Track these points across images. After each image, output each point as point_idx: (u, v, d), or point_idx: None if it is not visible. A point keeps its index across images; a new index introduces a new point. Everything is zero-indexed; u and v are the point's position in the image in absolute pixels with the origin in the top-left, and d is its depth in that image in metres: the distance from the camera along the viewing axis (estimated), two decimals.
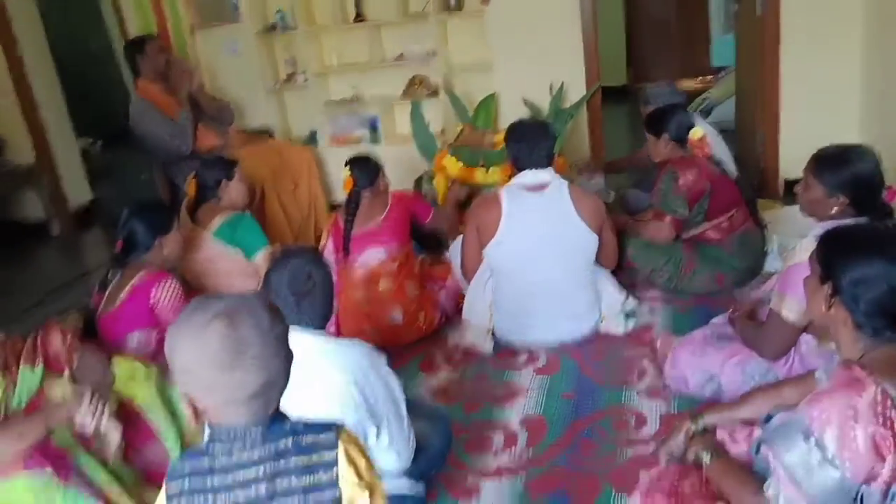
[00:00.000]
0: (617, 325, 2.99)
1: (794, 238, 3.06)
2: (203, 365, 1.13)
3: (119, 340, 2.58)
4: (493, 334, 3.04)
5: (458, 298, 3.25)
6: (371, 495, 1.20)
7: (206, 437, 1.22)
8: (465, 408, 2.67)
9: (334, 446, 1.21)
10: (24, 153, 5.23)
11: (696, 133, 3.17)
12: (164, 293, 2.57)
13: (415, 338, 3.15)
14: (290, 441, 1.19)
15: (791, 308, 2.17)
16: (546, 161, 2.89)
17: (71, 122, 5.61)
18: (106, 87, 6.56)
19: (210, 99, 4.36)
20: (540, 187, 2.87)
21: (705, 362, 2.45)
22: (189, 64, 4.51)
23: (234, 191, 3.27)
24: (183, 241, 2.90)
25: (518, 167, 2.92)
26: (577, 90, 4.50)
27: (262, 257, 3.12)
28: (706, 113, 5.16)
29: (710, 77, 6.09)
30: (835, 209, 2.18)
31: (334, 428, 1.24)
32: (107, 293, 2.66)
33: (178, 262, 2.97)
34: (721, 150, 3.52)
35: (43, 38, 5.42)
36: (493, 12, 4.50)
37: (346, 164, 3.19)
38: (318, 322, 1.97)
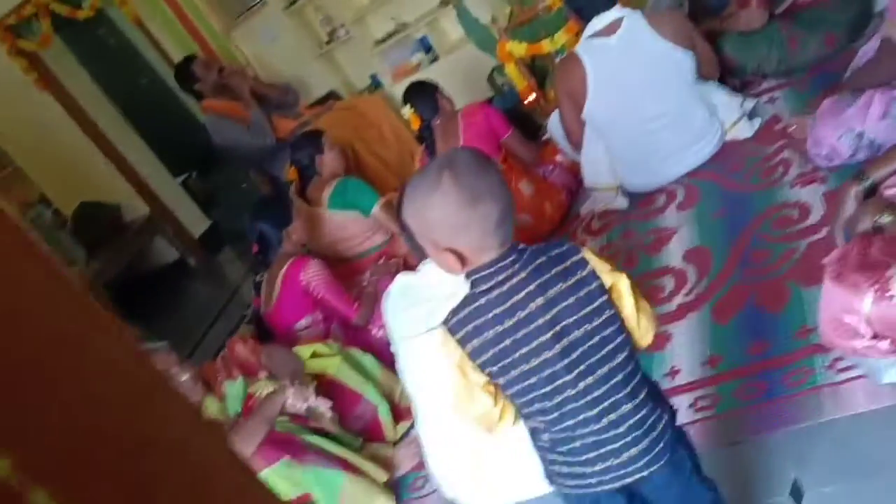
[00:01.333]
0: (742, 130, 2.85)
1: None
2: (453, 209, 1.23)
3: (290, 330, 2.74)
4: (622, 189, 2.98)
5: (575, 170, 3.20)
6: (625, 277, 1.33)
7: (468, 290, 1.29)
8: (624, 267, 2.65)
9: (578, 251, 1.31)
10: (138, 208, 5.56)
11: None
12: (312, 273, 2.70)
13: (552, 228, 3.14)
14: (542, 258, 1.29)
15: None
16: (610, 0, 2.75)
17: (163, 165, 5.92)
18: (175, 120, 6.80)
19: (271, 88, 4.45)
20: (613, 29, 2.74)
21: (846, 122, 2.30)
22: (238, 65, 4.59)
23: (329, 161, 3.33)
24: (306, 224, 3.02)
25: (584, 18, 2.79)
26: None
27: (378, 210, 3.19)
28: None
29: None
30: None
31: (566, 242, 1.34)
32: (262, 294, 2.82)
33: (311, 243, 3.10)
34: None
35: (104, 98, 5.68)
36: None
37: (403, 102, 3.16)
38: None
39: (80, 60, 5.95)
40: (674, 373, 2.10)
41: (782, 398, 1.81)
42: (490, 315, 1.26)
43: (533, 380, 1.26)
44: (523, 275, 1.26)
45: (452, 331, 1.28)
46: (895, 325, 1.48)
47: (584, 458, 1.29)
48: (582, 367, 1.25)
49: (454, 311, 1.29)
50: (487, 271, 1.27)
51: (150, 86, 7.05)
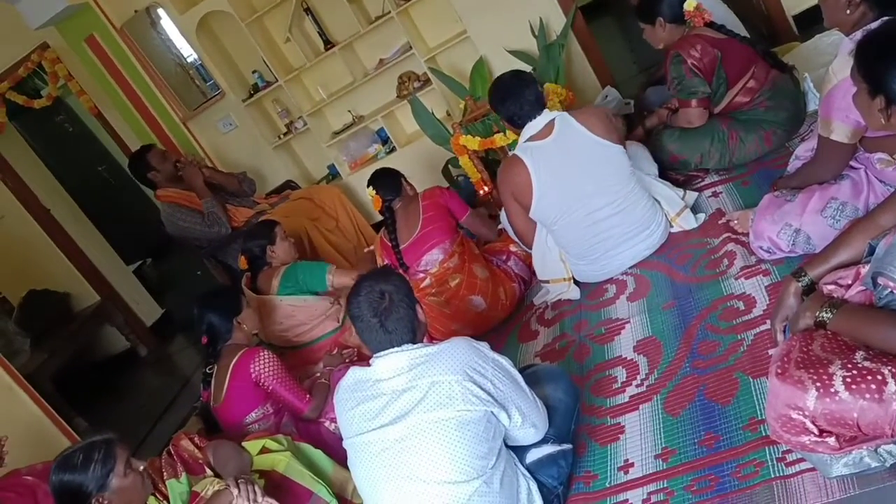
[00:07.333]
0: (687, 221, 2.94)
1: (824, 68, 2.97)
2: None
3: (239, 424, 2.67)
4: (574, 281, 3.02)
5: (529, 261, 3.24)
6: None
7: None
8: (576, 357, 2.67)
9: None
10: (88, 296, 5.45)
11: (689, 4, 3.07)
12: (262, 365, 2.64)
13: (505, 315, 3.17)
14: None
15: (839, 131, 2.18)
16: (538, 106, 2.84)
17: (116, 252, 5.85)
18: (131, 207, 6.75)
19: (226, 177, 4.43)
20: (548, 131, 2.82)
21: (784, 217, 2.41)
22: (193, 155, 4.60)
23: (280, 252, 3.32)
24: (256, 313, 2.98)
25: (517, 126, 2.88)
26: (557, 21, 4.43)
27: (332, 276, 3.18)
28: None
29: None
30: (853, 11, 2.11)
31: None
32: (212, 387, 2.75)
33: (262, 332, 3.05)
34: (721, 12, 3.42)
35: (57, 184, 5.65)
36: None
37: (368, 185, 3.23)
38: (411, 336, 1.94)
39: (35, 147, 5.94)
40: (627, 466, 2.08)
41: (734, 492, 1.81)
42: None
43: None
44: None
45: None
46: (840, 421, 1.50)
47: None
48: None
49: None
50: None
51: (107, 172, 7.05)
